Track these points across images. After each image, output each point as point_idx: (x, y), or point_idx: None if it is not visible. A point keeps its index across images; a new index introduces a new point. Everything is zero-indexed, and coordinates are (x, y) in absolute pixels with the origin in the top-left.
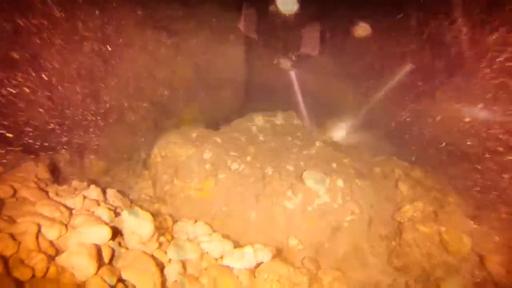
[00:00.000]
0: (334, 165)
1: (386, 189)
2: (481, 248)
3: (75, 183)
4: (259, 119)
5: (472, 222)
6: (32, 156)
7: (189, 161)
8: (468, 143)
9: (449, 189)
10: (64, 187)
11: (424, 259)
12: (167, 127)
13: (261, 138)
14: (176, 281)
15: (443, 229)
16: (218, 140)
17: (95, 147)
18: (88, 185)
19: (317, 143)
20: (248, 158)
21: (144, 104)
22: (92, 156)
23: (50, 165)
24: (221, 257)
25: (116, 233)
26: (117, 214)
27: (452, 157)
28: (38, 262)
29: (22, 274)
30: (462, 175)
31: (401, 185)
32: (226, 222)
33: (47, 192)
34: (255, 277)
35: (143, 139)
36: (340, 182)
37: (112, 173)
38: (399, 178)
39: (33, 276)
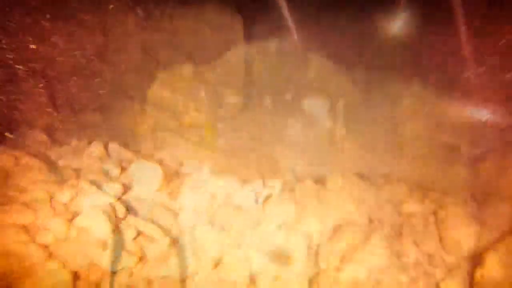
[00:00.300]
0: (333, 86)
1: (387, 107)
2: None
3: (74, 142)
4: (251, 48)
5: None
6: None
7: (185, 101)
8: None
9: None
10: (65, 147)
11: None
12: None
13: (255, 69)
14: (191, 226)
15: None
16: (212, 75)
17: (87, 102)
18: (89, 143)
19: (314, 66)
20: (245, 90)
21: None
22: (86, 109)
23: (46, 127)
24: (231, 196)
25: (126, 187)
26: (123, 168)
27: None
28: (58, 226)
29: (45, 239)
30: None
31: (403, 99)
32: (231, 159)
33: (49, 156)
34: (264, 211)
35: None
36: (340, 105)
37: (109, 124)
38: (399, 94)
39: (56, 239)
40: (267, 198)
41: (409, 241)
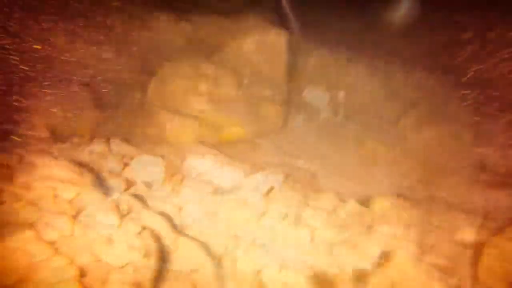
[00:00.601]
0: (333, 77)
1: (389, 93)
2: None
3: (76, 139)
4: (251, 39)
5: None
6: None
7: (185, 95)
8: None
9: None
10: (67, 144)
11: None
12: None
13: (254, 59)
14: (195, 219)
15: None
16: (212, 68)
17: (90, 100)
18: (91, 139)
19: (313, 58)
20: (245, 81)
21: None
22: (87, 107)
23: (48, 125)
24: (234, 187)
25: (129, 182)
26: (125, 164)
27: None
28: (63, 223)
29: (51, 236)
30: None
31: (404, 89)
32: (234, 150)
33: (52, 153)
34: (268, 202)
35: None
36: (341, 95)
37: (111, 119)
38: (400, 81)
39: (61, 236)
40: (271, 189)
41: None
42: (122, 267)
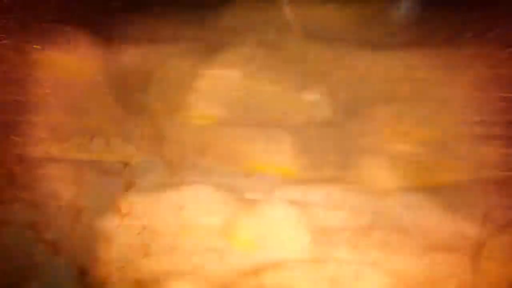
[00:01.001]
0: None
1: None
2: None
3: (76, 138)
4: (250, 42)
5: None
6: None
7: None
8: None
9: None
10: (67, 144)
11: None
12: None
13: (254, 63)
14: (195, 218)
15: None
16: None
17: (90, 100)
18: (91, 139)
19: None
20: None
21: None
22: (88, 107)
23: (47, 124)
24: (235, 187)
25: (129, 182)
26: (125, 163)
27: None
28: (63, 222)
29: (51, 236)
30: None
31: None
32: (233, 153)
33: (51, 153)
34: (268, 201)
35: None
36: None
37: (112, 119)
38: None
39: (62, 236)
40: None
41: None
42: (122, 267)
